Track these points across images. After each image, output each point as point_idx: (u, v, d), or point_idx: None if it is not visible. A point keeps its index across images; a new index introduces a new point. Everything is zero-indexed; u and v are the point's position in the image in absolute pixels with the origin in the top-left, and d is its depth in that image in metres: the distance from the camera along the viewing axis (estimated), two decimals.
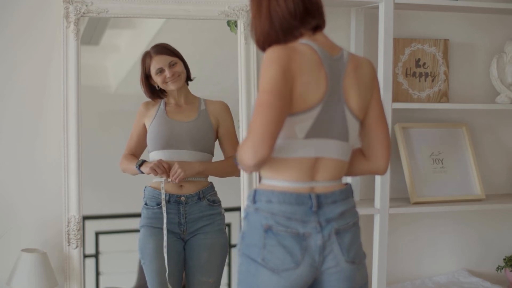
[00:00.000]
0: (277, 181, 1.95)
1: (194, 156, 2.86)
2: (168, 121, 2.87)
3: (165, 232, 2.78)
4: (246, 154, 1.83)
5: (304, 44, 1.94)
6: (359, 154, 2.10)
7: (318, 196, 1.93)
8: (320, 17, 1.99)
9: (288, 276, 1.90)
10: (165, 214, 2.79)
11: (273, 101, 1.83)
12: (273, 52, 1.89)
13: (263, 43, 1.98)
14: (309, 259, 1.92)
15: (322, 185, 1.96)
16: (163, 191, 2.81)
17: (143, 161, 2.85)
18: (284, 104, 1.85)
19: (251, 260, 1.93)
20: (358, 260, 1.99)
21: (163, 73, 2.85)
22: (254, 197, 1.96)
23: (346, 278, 1.96)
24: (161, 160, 2.81)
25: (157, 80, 2.87)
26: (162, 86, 2.88)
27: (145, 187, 2.89)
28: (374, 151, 2.06)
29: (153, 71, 2.87)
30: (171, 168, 2.81)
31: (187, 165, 2.82)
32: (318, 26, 1.98)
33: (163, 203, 2.80)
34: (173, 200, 2.83)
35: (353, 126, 2.00)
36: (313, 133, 1.93)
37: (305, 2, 1.95)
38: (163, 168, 2.79)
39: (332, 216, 1.94)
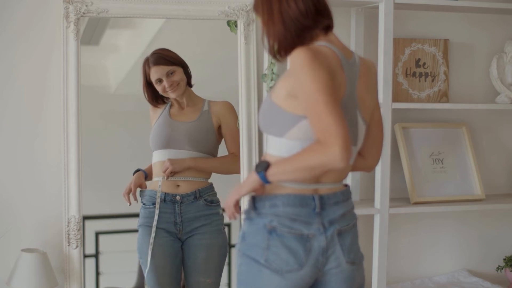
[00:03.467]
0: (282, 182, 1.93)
1: (192, 156, 2.88)
2: (169, 121, 2.91)
3: (153, 229, 2.83)
4: (338, 157, 1.75)
5: (324, 46, 1.91)
6: None
7: (321, 198, 1.93)
8: (329, 16, 1.98)
9: (292, 277, 1.90)
10: (157, 212, 2.84)
11: (333, 100, 1.79)
12: (306, 53, 1.83)
13: (279, 49, 1.93)
14: (312, 260, 1.92)
15: (326, 187, 1.96)
16: (159, 189, 2.85)
17: (137, 170, 2.93)
18: None
19: (252, 260, 1.92)
20: (357, 260, 2.01)
21: (162, 83, 2.90)
22: (254, 204, 1.95)
23: (347, 278, 1.97)
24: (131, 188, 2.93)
25: (158, 88, 2.94)
26: (163, 94, 2.93)
27: None
28: (372, 150, 2.09)
29: (153, 80, 2.92)
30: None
31: (176, 160, 2.86)
32: (329, 25, 1.97)
33: (158, 201, 2.84)
34: (169, 199, 2.86)
35: (362, 130, 2.00)
36: None
37: (314, 2, 1.94)
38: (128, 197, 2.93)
39: (335, 217, 1.95)
